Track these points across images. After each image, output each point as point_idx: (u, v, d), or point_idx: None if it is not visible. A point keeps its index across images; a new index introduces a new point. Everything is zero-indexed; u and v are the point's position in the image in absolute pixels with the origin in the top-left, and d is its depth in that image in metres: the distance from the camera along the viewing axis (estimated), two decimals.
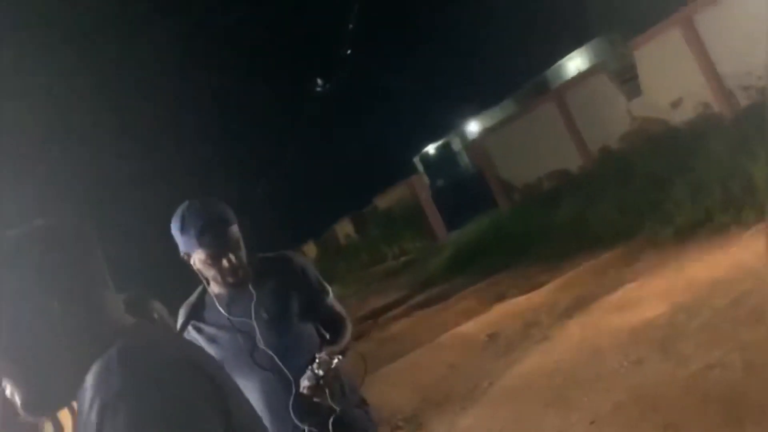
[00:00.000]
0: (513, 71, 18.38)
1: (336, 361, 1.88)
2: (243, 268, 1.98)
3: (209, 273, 1.98)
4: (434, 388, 5.59)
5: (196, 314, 2.06)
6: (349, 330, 2.13)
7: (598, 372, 4.07)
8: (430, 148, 20.79)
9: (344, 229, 21.71)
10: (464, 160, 18.55)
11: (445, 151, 20.47)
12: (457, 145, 20.03)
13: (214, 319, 2.03)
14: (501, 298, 7.86)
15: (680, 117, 10.14)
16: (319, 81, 12.32)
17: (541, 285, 7.66)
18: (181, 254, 1.99)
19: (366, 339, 9.03)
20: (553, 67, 17.19)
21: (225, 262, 1.94)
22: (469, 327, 7.16)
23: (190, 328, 2.05)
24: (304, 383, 1.87)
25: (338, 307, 2.18)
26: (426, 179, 18.78)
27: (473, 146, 15.46)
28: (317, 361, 1.87)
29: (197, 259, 1.96)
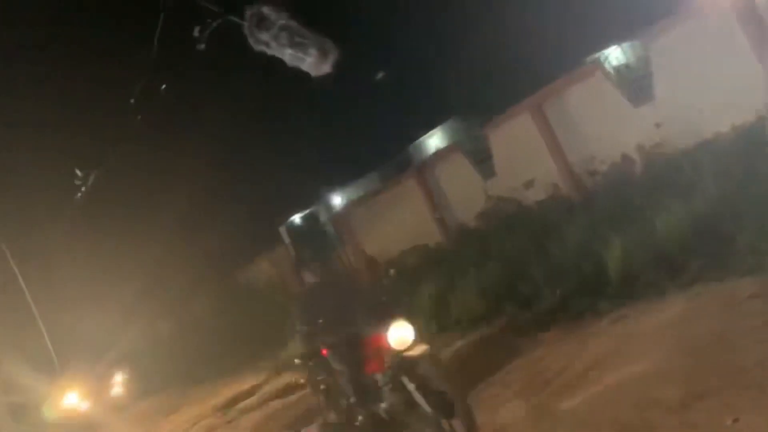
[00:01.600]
0: (377, 145, 18.59)
1: None
2: None
3: None
4: None
5: None
6: None
7: None
8: (296, 218, 20.23)
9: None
10: (330, 231, 18.19)
11: (310, 221, 20.01)
12: (323, 215, 19.67)
13: None
14: None
15: (532, 197, 10.48)
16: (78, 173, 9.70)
17: None
18: None
19: None
20: (415, 143, 17.66)
21: None
22: None
23: None
24: None
25: None
26: (292, 250, 18.17)
27: (338, 218, 15.19)
28: None
29: None
